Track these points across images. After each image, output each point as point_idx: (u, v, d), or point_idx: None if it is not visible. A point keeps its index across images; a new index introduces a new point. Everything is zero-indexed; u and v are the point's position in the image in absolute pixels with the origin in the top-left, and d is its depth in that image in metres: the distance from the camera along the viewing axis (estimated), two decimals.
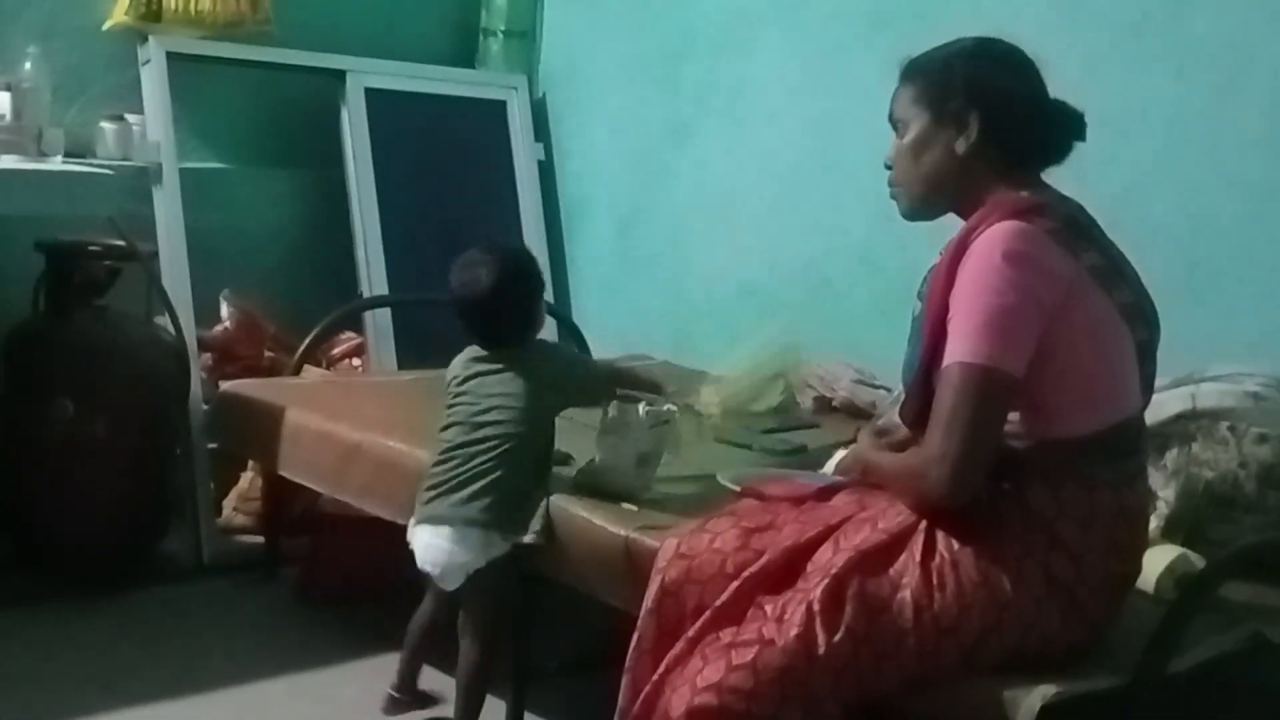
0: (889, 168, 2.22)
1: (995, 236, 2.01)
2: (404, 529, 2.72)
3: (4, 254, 3.37)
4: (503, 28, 4.31)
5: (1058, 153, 2.17)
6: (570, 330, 4.09)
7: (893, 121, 2.22)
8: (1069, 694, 1.99)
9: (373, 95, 4.06)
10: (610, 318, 4.14)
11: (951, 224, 2.19)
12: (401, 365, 3.87)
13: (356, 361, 3.84)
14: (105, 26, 3.73)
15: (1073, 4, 3.14)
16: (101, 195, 3.46)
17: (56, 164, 3.47)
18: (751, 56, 3.87)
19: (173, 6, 3.71)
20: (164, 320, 3.52)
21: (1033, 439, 2.05)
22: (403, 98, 4.12)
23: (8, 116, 3.40)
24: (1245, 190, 3.06)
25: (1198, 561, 2.42)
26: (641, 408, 2.63)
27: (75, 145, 3.61)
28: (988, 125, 2.11)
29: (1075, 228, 2.08)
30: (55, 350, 3.39)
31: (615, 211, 4.22)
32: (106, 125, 3.68)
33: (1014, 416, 2.04)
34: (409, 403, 3.27)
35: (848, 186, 3.55)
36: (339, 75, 4.02)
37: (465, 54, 4.37)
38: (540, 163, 4.32)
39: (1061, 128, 2.15)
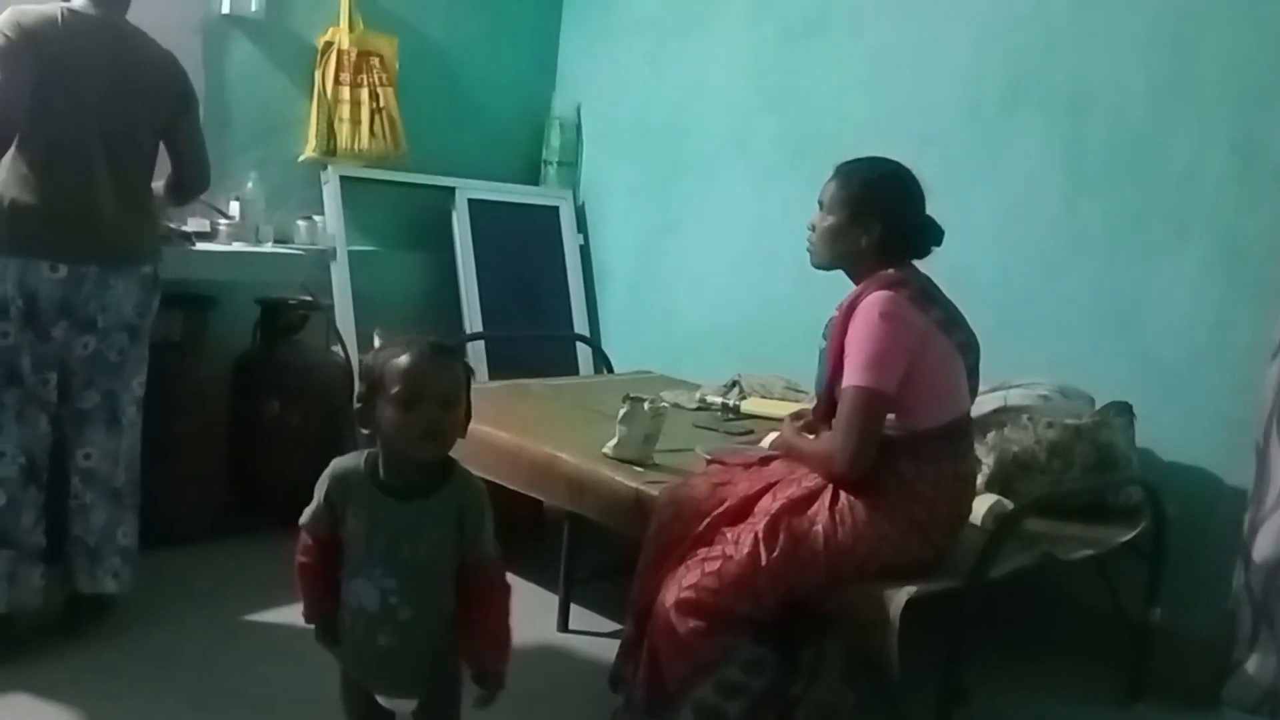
0: (811, 229, 2.17)
1: (873, 301, 2.02)
2: (494, 485, 2.69)
3: (235, 306, 3.36)
4: (557, 159, 4.29)
5: (924, 252, 2.15)
6: (600, 355, 4.06)
7: (820, 201, 2.17)
8: (924, 592, 1.99)
9: (473, 203, 4.03)
10: (626, 346, 4.11)
11: (843, 282, 2.17)
12: (491, 377, 3.85)
13: None
14: (300, 159, 3.72)
15: (922, 143, 3.15)
16: (297, 268, 3.46)
17: (268, 248, 3.46)
18: (716, 178, 3.86)
19: (343, 146, 3.71)
20: (337, 349, 3.52)
21: (902, 431, 2.04)
22: (492, 205, 4.09)
23: (237, 217, 3.39)
24: (1039, 265, 3.05)
25: (1008, 504, 2.40)
26: (646, 404, 2.61)
27: (280, 235, 3.59)
28: (884, 233, 2.09)
29: (925, 294, 2.08)
30: (266, 369, 3.38)
31: (628, 277, 4.20)
32: (301, 222, 3.66)
33: (891, 418, 2.02)
34: (495, 401, 3.25)
35: (779, 262, 3.51)
36: (450, 190, 4.00)
37: (532, 176, 4.35)
38: (581, 246, 4.30)
39: (929, 236, 2.13)
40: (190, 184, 2.73)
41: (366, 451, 1.68)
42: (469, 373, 1.70)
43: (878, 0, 3.41)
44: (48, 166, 2.36)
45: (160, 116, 2.55)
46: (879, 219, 2.09)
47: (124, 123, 2.47)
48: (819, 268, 2.19)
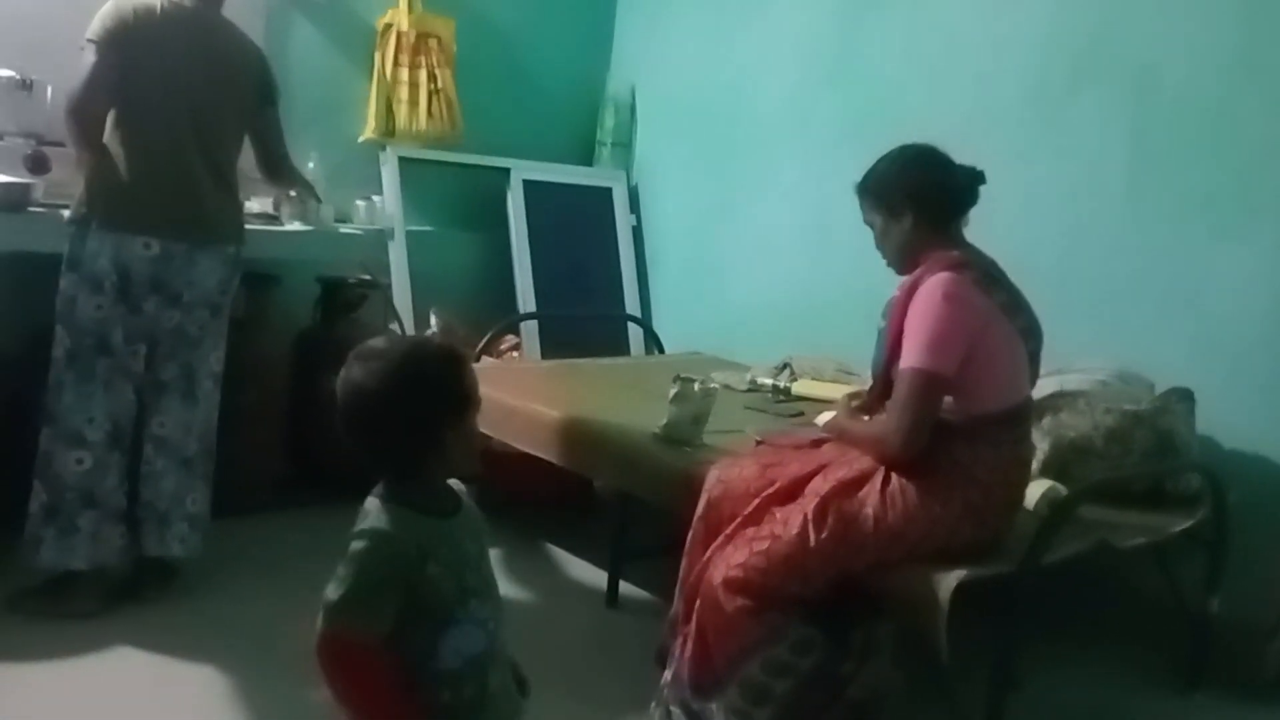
0: (879, 248, 2.18)
1: (936, 282, 1.98)
2: (545, 462, 2.70)
3: (296, 284, 3.40)
4: (610, 140, 4.28)
5: (970, 202, 2.11)
6: (651, 335, 4.05)
7: (867, 222, 2.18)
8: (976, 576, 1.95)
9: (528, 184, 4.04)
10: (677, 327, 4.10)
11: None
12: (544, 356, 3.87)
13: (515, 354, 3.84)
14: (359, 140, 3.76)
15: (985, 121, 3.07)
16: (356, 247, 3.50)
17: (329, 227, 3.50)
18: (771, 158, 3.82)
19: (402, 127, 3.73)
20: (395, 327, 3.55)
21: (960, 415, 2.01)
22: (547, 186, 4.10)
23: (299, 197, 3.42)
24: (1102, 246, 2.98)
25: (1063, 490, 2.35)
26: (696, 385, 2.60)
27: (340, 215, 3.63)
28: (918, 210, 2.07)
29: (989, 276, 2.04)
30: (326, 345, 3.41)
31: (680, 258, 4.18)
32: (360, 203, 3.70)
33: (949, 400, 1.99)
34: (548, 380, 3.27)
35: (833, 241, 3.49)
36: (506, 171, 4.01)
37: (586, 156, 4.34)
38: (634, 227, 4.28)
39: (967, 184, 2.10)
40: (273, 170, 2.83)
41: (375, 502, 1.37)
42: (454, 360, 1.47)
43: None
44: (143, 148, 2.47)
45: (248, 105, 2.67)
46: (906, 201, 2.08)
47: (213, 110, 2.57)
48: (903, 273, 2.15)
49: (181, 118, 2.51)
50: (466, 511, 1.43)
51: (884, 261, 2.19)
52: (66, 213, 2.52)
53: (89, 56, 2.40)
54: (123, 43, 2.42)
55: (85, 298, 2.46)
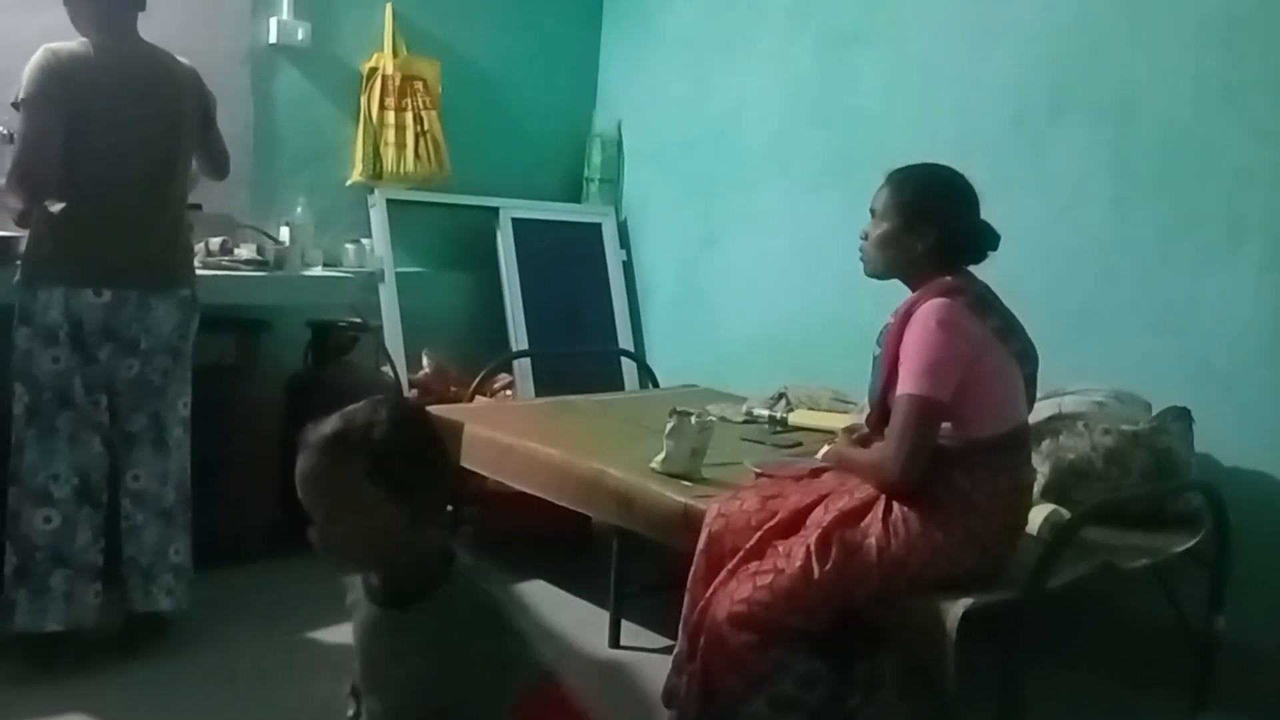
0: (864, 238, 2.14)
1: (931, 308, 1.97)
2: (542, 501, 2.67)
3: (286, 328, 3.38)
4: (599, 176, 4.30)
5: (980, 257, 2.10)
6: (645, 370, 4.05)
7: (872, 209, 2.13)
8: (980, 604, 1.94)
9: (517, 223, 4.05)
10: (671, 361, 4.11)
11: (889, 292, 2.13)
12: (538, 394, 3.86)
13: (509, 393, 3.83)
14: (347, 183, 3.76)
15: (967, 152, 3.10)
16: (346, 290, 3.48)
17: (318, 271, 3.50)
18: (758, 191, 3.84)
19: (389, 169, 3.74)
20: (387, 369, 3.54)
21: (957, 440, 2.00)
22: (536, 223, 4.11)
23: (287, 242, 3.43)
24: (1091, 272, 3.00)
25: (1065, 513, 2.35)
26: (693, 418, 2.59)
27: (329, 259, 3.63)
28: (940, 239, 2.05)
29: (983, 301, 2.04)
30: (317, 390, 3.39)
31: (672, 292, 4.19)
32: (349, 245, 3.71)
33: (946, 426, 1.98)
34: (542, 418, 3.25)
35: (823, 273, 3.50)
36: (494, 210, 4.02)
37: (575, 193, 4.36)
38: (624, 262, 4.29)
39: (985, 242, 2.09)
40: (217, 175, 2.77)
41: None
42: (376, 462, 1.25)
43: (919, 10, 3.38)
44: (88, 200, 2.41)
45: (194, 134, 2.61)
46: (934, 225, 2.04)
47: (162, 148, 2.52)
48: (873, 276, 2.14)
49: (130, 162, 2.44)
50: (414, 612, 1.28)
51: (859, 257, 2.14)
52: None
53: (27, 119, 2.32)
54: (59, 98, 2.33)
55: (40, 351, 2.40)
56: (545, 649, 2.73)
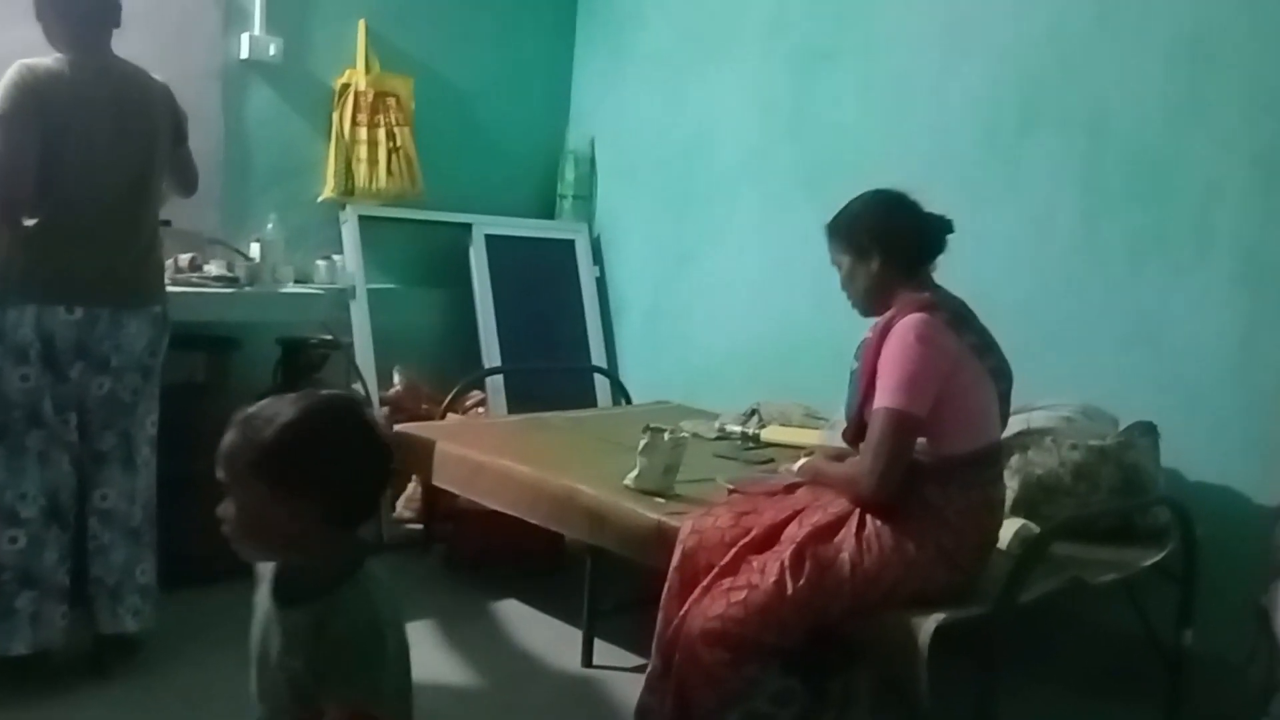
0: (844, 289, 2.19)
1: (909, 323, 2.00)
2: (515, 519, 2.66)
3: (255, 345, 3.35)
4: (572, 193, 4.31)
5: (938, 249, 2.13)
6: (618, 386, 4.05)
7: (834, 263, 2.19)
8: (952, 619, 1.95)
9: (490, 239, 4.05)
10: (644, 377, 4.10)
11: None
12: (510, 410, 3.84)
13: (481, 410, 3.81)
14: (319, 199, 3.75)
15: (939, 167, 3.13)
16: (317, 307, 3.46)
17: (289, 288, 3.47)
18: (731, 207, 3.86)
19: (361, 186, 3.73)
20: (358, 386, 3.51)
21: (931, 456, 2.01)
22: (509, 240, 4.11)
23: (258, 259, 3.41)
24: (1061, 286, 3.03)
25: (1035, 529, 2.36)
26: (666, 435, 2.59)
27: (300, 275, 3.61)
28: (886, 253, 2.09)
29: (959, 318, 2.07)
30: None
31: (644, 308, 4.19)
32: (320, 262, 3.68)
33: (920, 442, 2.00)
34: (515, 435, 3.24)
35: (795, 290, 3.51)
36: (467, 226, 4.02)
37: (548, 210, 4.36)
38: (597, 279, 4.30)
39: (936, 232, 2.12)
40: (185, 192, 2.75)
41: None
42: (263, 457, 1.22)
43: (892, 26, 3.42)
44: (62, 217, 2.39)
45: (166, 151, 2.59)
46: (876, 241, 2.10)
47: (135, 166, 2.50)
48: (868, 315, 2.17)
49: (104, 179, 2.42)
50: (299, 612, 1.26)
51: (849, 303, 2.20)
52: None
53: (2, 135, 2.29)
54: (34, 113, 2.31)
55: (10, 369, 2.37)
56: (516, 668, 2.72)
